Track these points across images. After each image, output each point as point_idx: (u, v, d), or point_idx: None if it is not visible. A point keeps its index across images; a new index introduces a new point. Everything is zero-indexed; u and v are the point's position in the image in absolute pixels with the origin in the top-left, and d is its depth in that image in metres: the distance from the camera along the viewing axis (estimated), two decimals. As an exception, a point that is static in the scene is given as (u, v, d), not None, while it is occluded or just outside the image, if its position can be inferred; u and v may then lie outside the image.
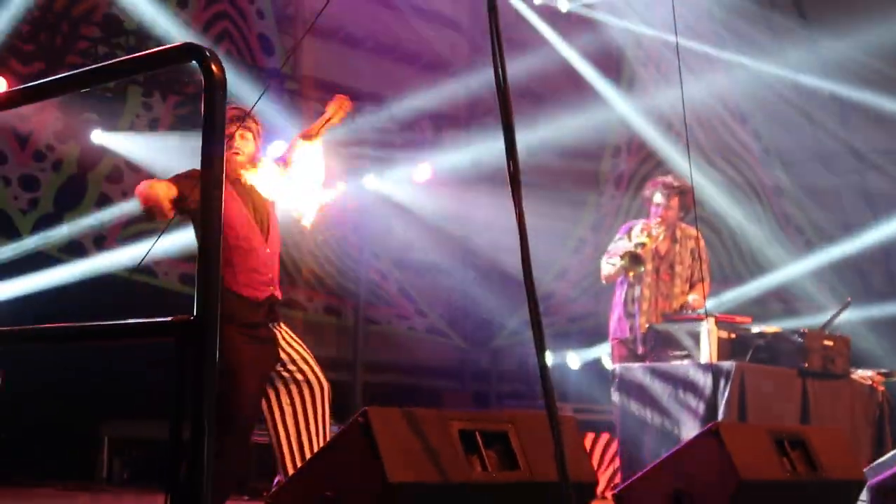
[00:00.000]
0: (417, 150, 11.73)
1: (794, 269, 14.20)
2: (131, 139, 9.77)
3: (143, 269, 9.71)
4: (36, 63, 9.06)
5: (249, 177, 5.13)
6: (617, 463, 7.62)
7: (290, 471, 4.99)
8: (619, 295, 7.32)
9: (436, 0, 13.40)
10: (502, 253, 11.86)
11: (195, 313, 2.10)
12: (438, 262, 13.79)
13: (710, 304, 11.84)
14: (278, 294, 5.18)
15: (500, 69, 3.68)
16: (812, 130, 15.20)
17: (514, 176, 3.66)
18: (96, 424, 9.41)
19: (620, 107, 13.72)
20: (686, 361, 6.76)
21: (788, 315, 13.83)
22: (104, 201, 9.70)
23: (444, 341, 13.36)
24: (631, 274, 7.19)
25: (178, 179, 4.97)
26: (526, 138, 13.41)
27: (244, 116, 5.12)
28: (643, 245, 7.02)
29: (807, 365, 6.84)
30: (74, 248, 9.39)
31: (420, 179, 11.50)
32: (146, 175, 9.84)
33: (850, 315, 12.44)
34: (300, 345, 5.20)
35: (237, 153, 5.09)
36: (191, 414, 2.08)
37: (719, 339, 6.82)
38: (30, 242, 9.13)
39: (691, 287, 7.37)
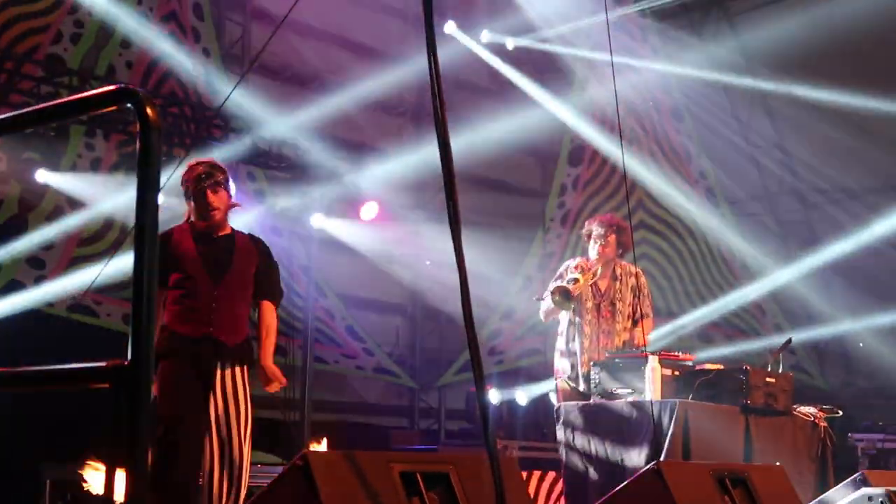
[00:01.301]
0: (365, 188, 11.73)
1: (736, 299, 14.41)
2: (74, 178, 9.70)
3: (83, 308, 9.61)
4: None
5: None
6: (563, 502, 7.62)
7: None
8: (561, 333, 7.34)
9: (383, 37, 13.47)
10: (449, 292, 11.87)
11: (129, 357, 2.08)
12: (386, 300, 13.79)
13: (663, 332, 11.97)
14: (222, 335, 5.22)
15: (439, 112, 3.70)
16: (757, 170, 15.43)
17: (453, 216, 3.67)
18: (37, 466, 9.28)
19: (581, 129, 13.82)
20: (630, 399, 6.79)
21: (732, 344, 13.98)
22: (45, 242, 9.61)
23: (391, 380, 13.33)
24: (568, 311, 7.20)
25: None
26: (471, 176, 13.53)
27: (210, 171, 5.25)
28: (575, 281, 7.03)
29: (749, 402, 6.88)
30: (14, 288, 9.28)
31: (367, 217, 11.50)
32: (88, 215, 9.78)
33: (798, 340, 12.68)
34: (234, 406, 5.22)
35: (216, 210, 5.24)
36: (126, 459, 2.06)
37: (663, 376, 6.84)
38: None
39: (634, 324, 7.40)
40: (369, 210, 11.47)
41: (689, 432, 6.42)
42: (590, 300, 7.22)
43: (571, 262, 7.33)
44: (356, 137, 12.59)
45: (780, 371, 7.42)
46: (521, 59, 13.93)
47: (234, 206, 5.44)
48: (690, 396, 6.79)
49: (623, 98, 14.15)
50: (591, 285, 7.23)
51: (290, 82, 12.52)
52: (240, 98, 11.39)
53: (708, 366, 7.23)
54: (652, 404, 6.54)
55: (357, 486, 3.81)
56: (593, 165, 14.43)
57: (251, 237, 5.54)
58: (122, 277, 8.92)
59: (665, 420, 6.42)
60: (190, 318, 5.15)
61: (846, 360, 15.29)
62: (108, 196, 9.61)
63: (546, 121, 15.16)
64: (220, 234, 5.39)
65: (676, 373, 7.00)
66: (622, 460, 6.51)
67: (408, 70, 11.92)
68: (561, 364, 7.31)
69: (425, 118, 13.14)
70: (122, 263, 8.45)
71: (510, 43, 13.34)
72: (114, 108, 2.25)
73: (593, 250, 7.28)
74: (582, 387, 7.14)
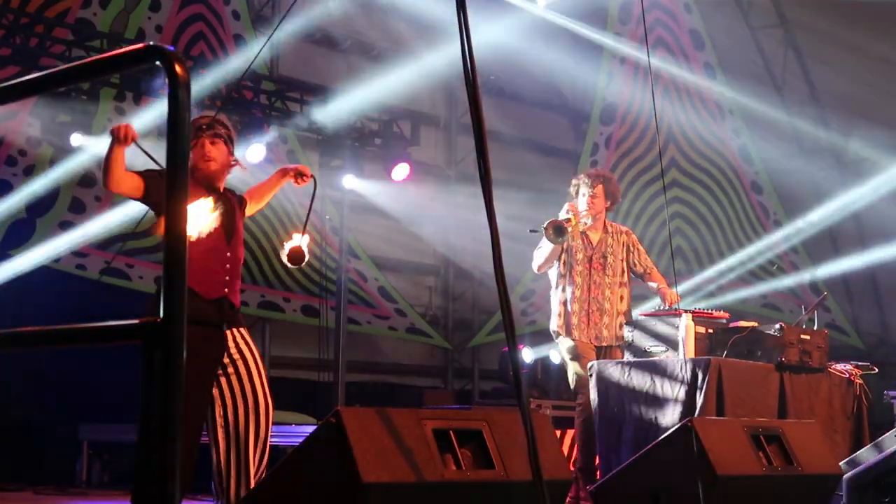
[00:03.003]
0: (395, 149, 11.70)
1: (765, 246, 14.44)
2: (105, 142, 9.73)
3: (115, 271, 9.67)
4: (10, 67, 9.02)
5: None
6: (597, 460, 7.63)
7: (222, 481, 5.00)
8: (554, 285, 7.29)
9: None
10: (482, 251, 11.86)
11: (161, 315, 2.08)
12: (418, 261, 13.80)
13: (693, 286, 11.92)
14: (234, 298, 5.18)
15: (469, 68, 3.67)
16: (792, 126, 15.31)
17: (484, 176, 3.65)
18: (75, 428, 9.39)
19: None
20: (664, 357, 6.77)
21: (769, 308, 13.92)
22: (77, 206, 9.66)
23: (424, 341, 13.37)
24: (561, 263, 7.13)
25: (147, 175, 5.11)
26: (504, 136, 13.48)
27: (212, 123, 5.20)
28: (567, 220, 6.97)
29: (784, 359, 6.85)
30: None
31: (398, 178, 11.48)
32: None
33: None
34: (252, 357, 5.14)
35: (211, 160, 5.18)
36: (159, 416, 2.07)
37: (696, 333, 6.83)
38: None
39: (644, 278, 7.34)
40: (400, 171, 11.44)
41: (723, 389, 6.40)
42: (580, 252, 7.18)
43: (562, 210, 7.24)
44: (388, 98, 12.55)
45: (815, 328, 7.38)
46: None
47: (233, 164, 5.37)
48: (724, 354, 6.77)
49: (656, 56, 14.06)
50: (582, 238, 7.19)
51: (321, 43, 12.49)
52: (271, 59, 11.40)
53: (742, 323, 7.20)
54: (686, 361, 6.53)
55: (390, 442, 3.82)
56: (625, 124, 14.36)
57: (233, 192, 5.47)
58: (156, 240, 8.96)
59: (699, 377, 6.40)
60: (207, 279, 5.11)
61: (882, 318, 15.20)
62: (137, 159, 9.63)
63: (577, 79, 15.11)
64: (219, 188, 5.30)
65: (710, 330, 6.98)
66: (656, 418, 6.50)
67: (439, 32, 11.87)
68: (554, 317, 7.26)
69: (455, 78, 13.07)
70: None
71: (541, 1, 13.25)
72: (142, 65, 2.24)
73: (582, 204, 7.22)
74: (576, 335, 7.09)
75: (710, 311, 7.32)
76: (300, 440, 5.21)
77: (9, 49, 9.06)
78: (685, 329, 6.75)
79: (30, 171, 9.48)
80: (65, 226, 9.58)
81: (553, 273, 7.30)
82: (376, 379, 13.15)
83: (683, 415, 6.26)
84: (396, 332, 12.79)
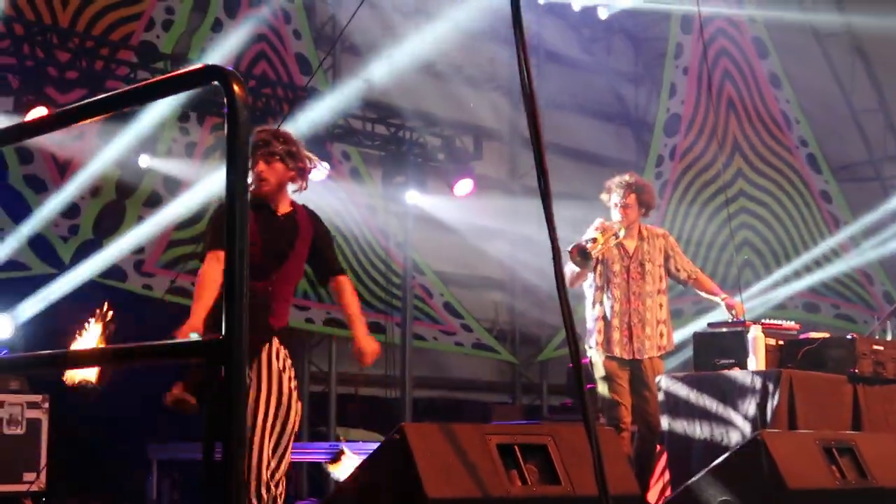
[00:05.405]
0: (458, 163, 11.70)
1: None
2: (171, 163, 9.85)
3: (180, 290, 9.75)
4: (77, 90, 9.14)
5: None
6: (667, 473, 7.54)
7: None
8: (590, 298, 7.07)
9: (476, 13, 13.42)
10: (547, 266, 11.79)
11: (223, 334, 2.09)
12: (483, 276, 13.77)
13: (764, 299, 11.76)
14: (275, 322, 5.03)
15: (527, 84, 3.67)
16: (861, 135, 15.12)
17: (544, 191, 3.64)
18: (144, 447, 9.46)
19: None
20: (734, 370, 6.68)
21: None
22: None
23: (491, 356, 13.33)
24: (591, 272, 6.94)
25: (215, 244, 5.01)
26: (566, 149, 13.43)
27: (268, 140, 5.05)
28: (594, 240, 6.76)
29: (857, 370, 6.74)
30: (114, 273, 9.43)
31: (461, 193, 11.47)
32: (185, 199, 9.90)
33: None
34: (267, 381, 4.84)
35: (263, 181, 5.03)
36: (223, 430, 2.08)
37: (767, 346, 6.73)
38: (71, 267, 9.19)
39: (688, 283, 7.17)
40: (464, 186, 11.43)
41: (794, 402, 6.30)
42: (617, 263, 6.95)
43: (591, 227, 7.06)
44: (451, 114, 12.55)
45: (889, 338, 7.26)
46: (614, 27, 13.91)
47: (291, 179, 5.10)
48: (796, 366, 6.67)
49: (719, 65, 13.96)
50: (618, 247, 6.99)
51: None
52: (332, 77, 11.47)
53: (813, 335, 7.10)
54: (755, 374, 6.44)
55: (455, 458, 3.81)
56: (690, 134, 14.24)
57: (308, 212, 5.28)
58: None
59: (770, 390, 6.31)
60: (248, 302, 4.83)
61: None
62: (203, 179, 9.71)
63: (641, 90, 15.04)
64: (282, 212, 5.15)
65: (780, 342, 6.89)
66: (726, 431, 6.42)
67: (500, 44, 11.89)
68: (591, 332, 7.04)
69: (518, 91, 13.09)
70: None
71: (603, 12, 13.21)
72: (202, 86, 2.25)
73: (615, 213, 7.06)
74: (616, 351, 6.89)
75: (779, 323, 7.21)
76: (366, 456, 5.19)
77: (76, 72, 9.20)
78: (754, 341, 6.66)
79: (96, 193, 9.59)
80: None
81: (588, 286, 7.12)
82: (444, 395, 13.13)
83: (753, 428, 6.18)
84: (463, 348, 12.76)
